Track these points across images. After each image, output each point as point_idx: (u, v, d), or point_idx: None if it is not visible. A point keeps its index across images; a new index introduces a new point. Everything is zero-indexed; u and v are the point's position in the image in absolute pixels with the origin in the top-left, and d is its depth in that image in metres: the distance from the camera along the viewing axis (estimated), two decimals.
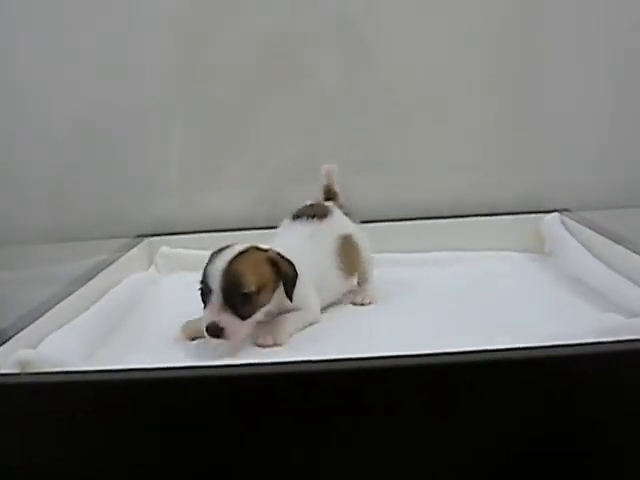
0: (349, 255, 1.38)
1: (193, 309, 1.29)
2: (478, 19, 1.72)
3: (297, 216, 1.39)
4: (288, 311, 1.23)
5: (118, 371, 0.85)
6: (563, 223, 1.64)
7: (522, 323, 1.18)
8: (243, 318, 1.12)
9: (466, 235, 1.67)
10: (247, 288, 1.12)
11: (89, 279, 1.33)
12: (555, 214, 1.67)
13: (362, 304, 1.39)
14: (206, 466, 0.83)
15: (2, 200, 1.75)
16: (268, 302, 1.17)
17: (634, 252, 1.30)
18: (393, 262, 1.58)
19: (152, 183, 1.80)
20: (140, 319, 1.35)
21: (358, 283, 1.44)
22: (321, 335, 1.22)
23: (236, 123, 1.76)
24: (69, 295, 1.23)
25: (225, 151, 1.78)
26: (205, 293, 1.14)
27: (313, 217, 1.37)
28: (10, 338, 1.02)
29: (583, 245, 1.50)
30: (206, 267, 1.16)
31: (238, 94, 1.75)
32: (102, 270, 1.41)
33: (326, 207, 1.42)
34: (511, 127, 1.76)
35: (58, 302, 1.18)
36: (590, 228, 1.51)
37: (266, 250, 1.20)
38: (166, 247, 1.69)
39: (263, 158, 1.77)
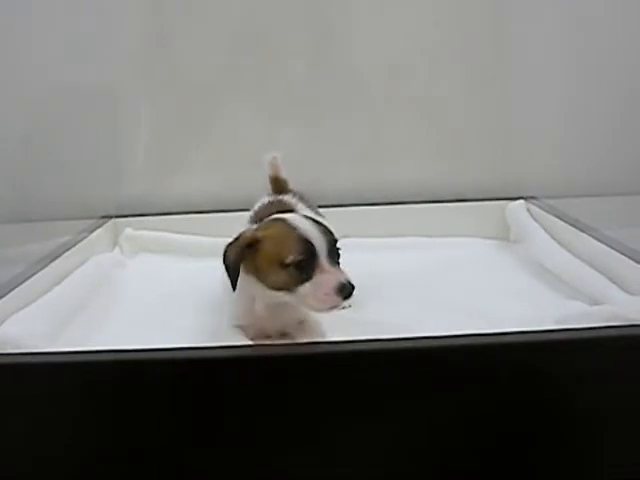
0: None
1: (158, 290, 1.30)
2: (447, 6, 1.72)
3: (259, 219, 1.20)
4: None
5: (82, 352, 0.85)
6: (529, 210, 1.65)
7: (486, 309, 1.19)
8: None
9: (432, 221, 1.68)
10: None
11: (53, 259, 1.32)
12: (521, 201, 1.69)
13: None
14: (166, 447, 0.83)
15: None
16: None
17: (598, 240, 1.31)
18: (360, 247, 1.58)
19: (119, 164, 1.78)
20: (105, 300, 1.34)
21: None
22: None
23: (204, 106, 1.75)
24: (32, 275, 1.21)
25: (192, 134, 1.76)
26: (307, 262, 0.99)
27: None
28: None
29: (548, 233, 1.52)
30: (297, 237, 1.00)
31: (207, 77, 1.73)
32: (66, 251, 1.39)
33: (287, 204, 1.29)
34: (478, 114, 1.76)
35: (21, 282, 1.17)
36: (555, 216, 1.53)
37: None
38: (130, 229, 1.68)
39: (230, 141, 1.76)
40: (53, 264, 1.31)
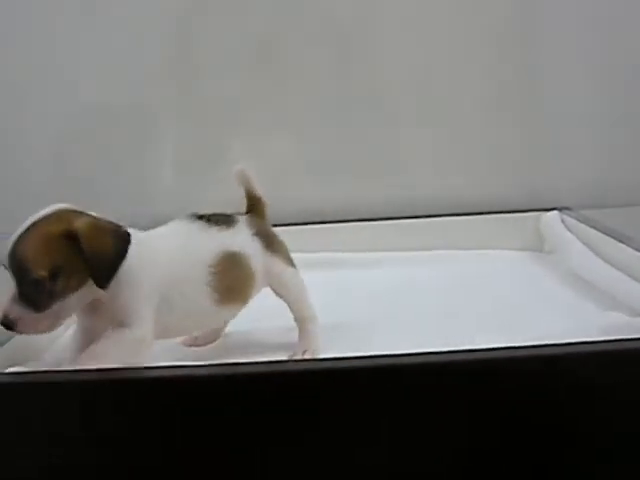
0: (233, 277, 1.08)
1: None
2: (473, 14, 1.71)
3: (191, 215, 1.11)
4: (110, 312, 0.96)
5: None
6: (563, 221, 1.63)
7: (525, 321, 1.17)
8: (37, 310, 0.89)
9: (466, 233, 1.66)
10: (35, 273, 0.87)
11: None
12: (555, 212, 1.66)
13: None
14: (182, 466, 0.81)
15: (2, 196, 1.74)
16: (76, 289, 0.91)
17: (636, 249, 1.29)
18: (392, 260, 1.57)
19: (149, 181, 1.78)
20: None
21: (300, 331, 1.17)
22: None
23: (231, 122, 1.74)
24: None
25: (221, 149, 1.76)
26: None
27: (202, 219, 1.10)
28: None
29: (584, 243, 1.49)
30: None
31: (231, 93, 1.74)
32: None
33: (233, 218, 1.14)
34: (511, 124, 1.75)
35: None
36: (591, 226, 1.50)
37: (76, 216, 0.94)
38: None
39: (256, 158, 1.75)
40: None
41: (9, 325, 0.89)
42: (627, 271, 1.29)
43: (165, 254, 1.02)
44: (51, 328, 0.92)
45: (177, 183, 1.78)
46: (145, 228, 1.68)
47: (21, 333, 0.91)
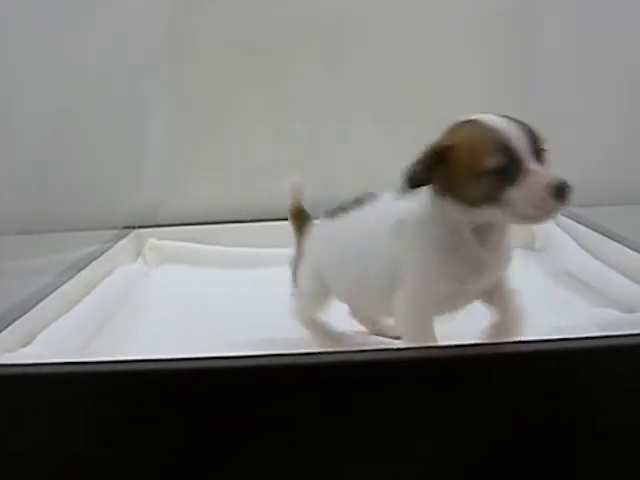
0: None
1: (183, 301, 1.30)
2: (472, 10, 1.73)
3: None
4: None
5: (109, 362, 0.84)
6: (554, 219, 1.64)
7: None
8: None
9: None
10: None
11: (80, 270, 1.33)
12: None
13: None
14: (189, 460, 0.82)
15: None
16: None
17: (627, 247, 1.30)
18: None
19: (140, 175, 1.78)
20: (132, 311, 1.34)
21: None
22: None
23: (223, 116, 1.75)
24: (62, 285, 1.22)
25: (213, 144, 1.77)
26: (509, 167, 0.85)
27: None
28: (6, 327, 1.02)
29: (575, 240, 1.51)
30: (495, 138, 0.86)
31: (222, 88, 1.75)
32: (92, 261, 1.39)
33: None
34: None
35: (50, 293, 1.18)
36: (582, 224, 1.52)
37: None
38: (155, 239, 1.67)
39: (250, 152, 1.77)
40: (81, 274, 1.31)
41: (567, 192, 0.86)
42: (618, 268, 1.31)
43: None
44: None
45: (168, 176, 1.79)
46: (134, 219, 1.69)
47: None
